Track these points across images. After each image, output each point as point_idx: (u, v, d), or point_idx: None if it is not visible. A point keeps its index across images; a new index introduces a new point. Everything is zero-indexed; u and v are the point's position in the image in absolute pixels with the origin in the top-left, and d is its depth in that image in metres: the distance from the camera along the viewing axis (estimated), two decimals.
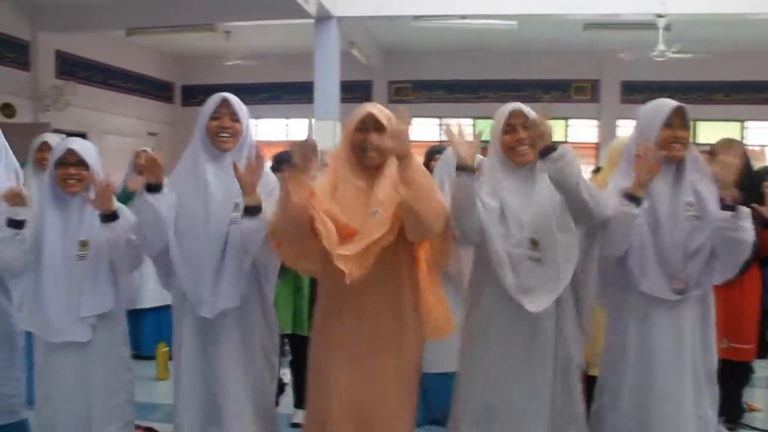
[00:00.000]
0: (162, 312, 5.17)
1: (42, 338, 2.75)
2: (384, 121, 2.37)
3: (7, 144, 3.05)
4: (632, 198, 2.46)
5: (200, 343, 2.70)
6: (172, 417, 4.11)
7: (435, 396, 3.56)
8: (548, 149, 2.37)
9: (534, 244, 2.46)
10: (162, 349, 5.02)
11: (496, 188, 2.52)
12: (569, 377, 2.57)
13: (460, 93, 13.78)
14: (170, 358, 5.05)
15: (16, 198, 2.64)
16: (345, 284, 2.27)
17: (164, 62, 14.08)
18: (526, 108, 2.54)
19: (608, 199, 2.50)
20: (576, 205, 2.42)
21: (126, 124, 12.43)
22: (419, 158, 3.00)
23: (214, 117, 2.64)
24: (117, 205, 2.74)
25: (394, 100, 13.76)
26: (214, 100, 2.66)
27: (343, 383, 2.42)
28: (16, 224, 2.65)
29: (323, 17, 9.22)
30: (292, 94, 13.27)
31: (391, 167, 2.36)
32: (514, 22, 10.06)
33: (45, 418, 2.78)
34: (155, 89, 13.94)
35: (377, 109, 2.42)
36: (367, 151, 2.38)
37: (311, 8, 8.75)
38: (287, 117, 13.91)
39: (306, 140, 2.31)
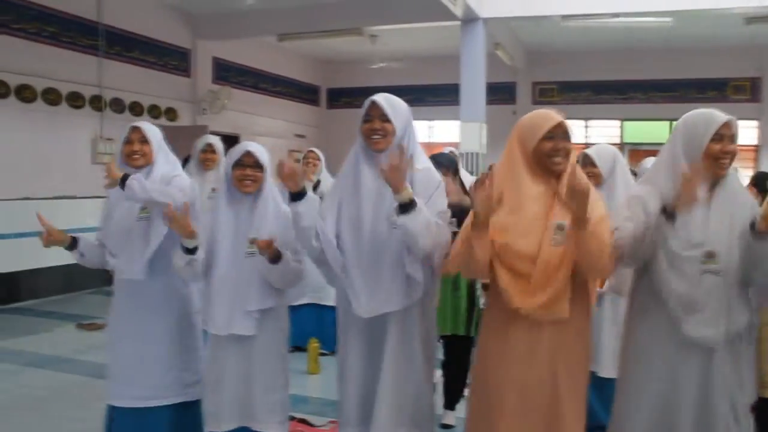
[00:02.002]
0: (310, 307, 5.34)
1: (210, 331, 2.89)
2: (569, 130, 2.39)
3: (167, 147, 3.22)
4: None
5: (363, 342, 2.74)
6: (323, 410, 4.28)
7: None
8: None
9: (710, 256, 2.33)
10: (313, 344, 5.16)
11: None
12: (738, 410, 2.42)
13: (607, 94, 13.38)
14: (321, 353, 5.22)
15: (186, 231, 2.78)
16: None
17: (311, 66, 14.55)
18: (735, 121, 2.40)
19: None
20: None
21: (275, 126, 12.93)
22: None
23: (366, 120, 2.67)
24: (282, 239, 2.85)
25: (538, 102, 13.54)
26: (366, 103, 2.69)
27: (516, 401, 2.41)
28: (190, 251, 2.81)
29: (470, 19, 9.20)
30: (437, 96, 13.35)
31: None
32: (669, 19, 9.61)
33: (212, 406, 2.92)
34: (302, 92, 14.43)
35: (562, 117, 2.40)
36: (556, 158, 2.36)
37: (458, 10, 8.74)
38: (431, 119, 14.00)
39: (484, 185, 2.26)
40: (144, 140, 3.06)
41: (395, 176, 2.45)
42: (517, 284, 2.34)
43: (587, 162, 3.66)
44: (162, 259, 3.06)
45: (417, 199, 2.52)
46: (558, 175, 2.39)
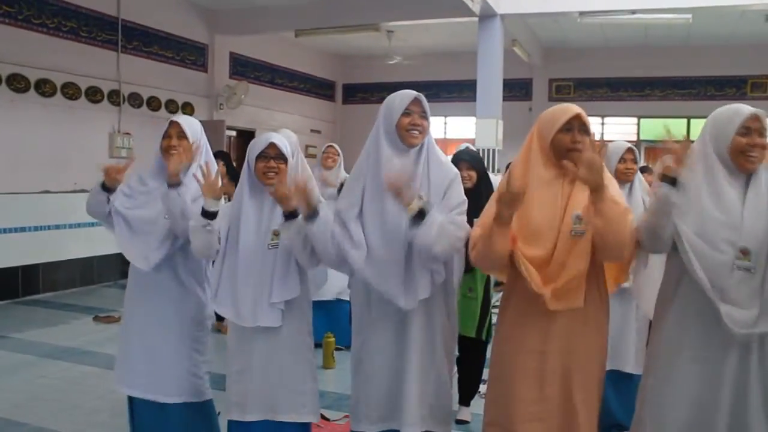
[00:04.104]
0: (326, 303, 5.36)
1: (234, 323, 2.89)
2: (588, 123, 2.40)
3: (207, 141, 3.24)
4: None
5: (387, 337, 2.73)
6: (338, 405, 4.30)
7: None
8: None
9: (744, 253, 2.28)
10: (328, 339, 5.18)
11: (708, 191, 2.34)
12: None
13: (624, 91, 13.31)
14: (336, 348, 5.25)
15: (212, 190, 2.81)
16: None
17: (328, 62, 14.57)
18: (764, 114, 2.36)
19: None
20: None
21: (291, 121, 12.92)
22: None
23: (405, 114, 2.65)
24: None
25: (554, 98, 13.49)
26: (405, 97, 2.67)
27: (531, 389, 2.43)
28: (209, 215, 2.81)
29: (487, 15, 9.18)
30: (452, 92, 13.35)
31: None
32: (688, 16, 9.52)
33: (236, 396, 2.91)
34: (318, 88, 14.45)
35: (581, 110, 2.41)
36: (573, 150, 2.36)
37: (476, 6, 8.72)
38: (446, 115, 13.96)
39: (516, 190, 2.27)
40: (182, 135, 3.07)
41: (402, 192, 2.51)
42: (538, 272, 2.36)
43: (630, 158, 3.67)
44: (173, 257, 3.09)
45: (427, 206, 2.53)
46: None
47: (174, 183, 2.95)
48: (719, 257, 2.27)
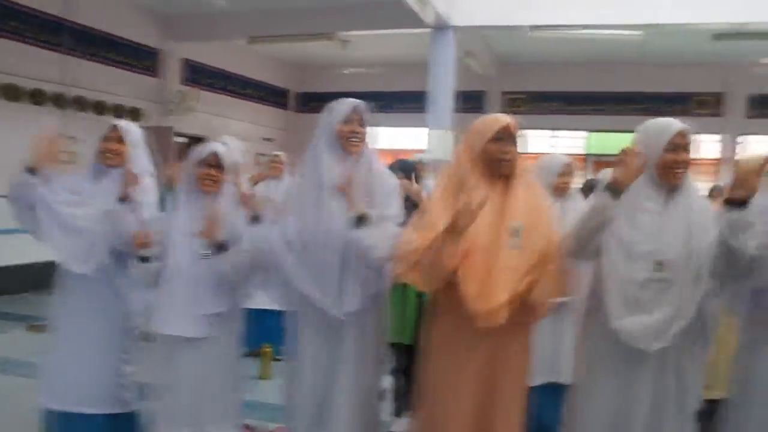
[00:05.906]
0: (264, 312, 5.28)
1: (162, 333, 2.85)
2: (517, 133, 2.42)
3: (146, 151, 3.21)
4: None
5: (321, 346, 2.73)
6: (273, 416, 4.23)
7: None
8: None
9: (659, 265, 2.31)
10: (266, 349, 5.12)
11: (631, 203, 2.37)
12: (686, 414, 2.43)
13: (576, 105, 13.49)
14: (274, 359, 5.17)
15: (142, 242, 2.82)
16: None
17: (281, 70, 14.50)
18: (691, 130, 2.39)
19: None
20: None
21: (243, 129, 12.82)
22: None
23: (346, 122, 2.69)
24: (232, 232, 2.83)
25: (507, 111, 13.56)
26: (345, 105, 2.72)
27: (466, 404, 2.42)
28: (144, 259, 2.84)
29: (440, 27, 9.25)
30: (405, 103, 13.38)
31: (522, 177, 2.42)
32: (639, 33, 9.71)
33: (162, 410, 2.88)
34: (271, 96, 14.37)
35: (512, 120, 2.42)
36: (503, 160, 2.37)
37: (429, 18, 8.78)
38: (399, 126, 13.97)
39: (473, 204, 2.26)
40: (121, 140, 3.05)
41: (350, 194, 2.58)
42: (477, 289, 2.33)
43: (568, 172, 3.70)
44: (111, 260, 3.03)
45: (370, 212, 2.59)
46: (506, 178, 2.41)
47: (126, 199, 2.97)
48: (633, 270, 2.30)
